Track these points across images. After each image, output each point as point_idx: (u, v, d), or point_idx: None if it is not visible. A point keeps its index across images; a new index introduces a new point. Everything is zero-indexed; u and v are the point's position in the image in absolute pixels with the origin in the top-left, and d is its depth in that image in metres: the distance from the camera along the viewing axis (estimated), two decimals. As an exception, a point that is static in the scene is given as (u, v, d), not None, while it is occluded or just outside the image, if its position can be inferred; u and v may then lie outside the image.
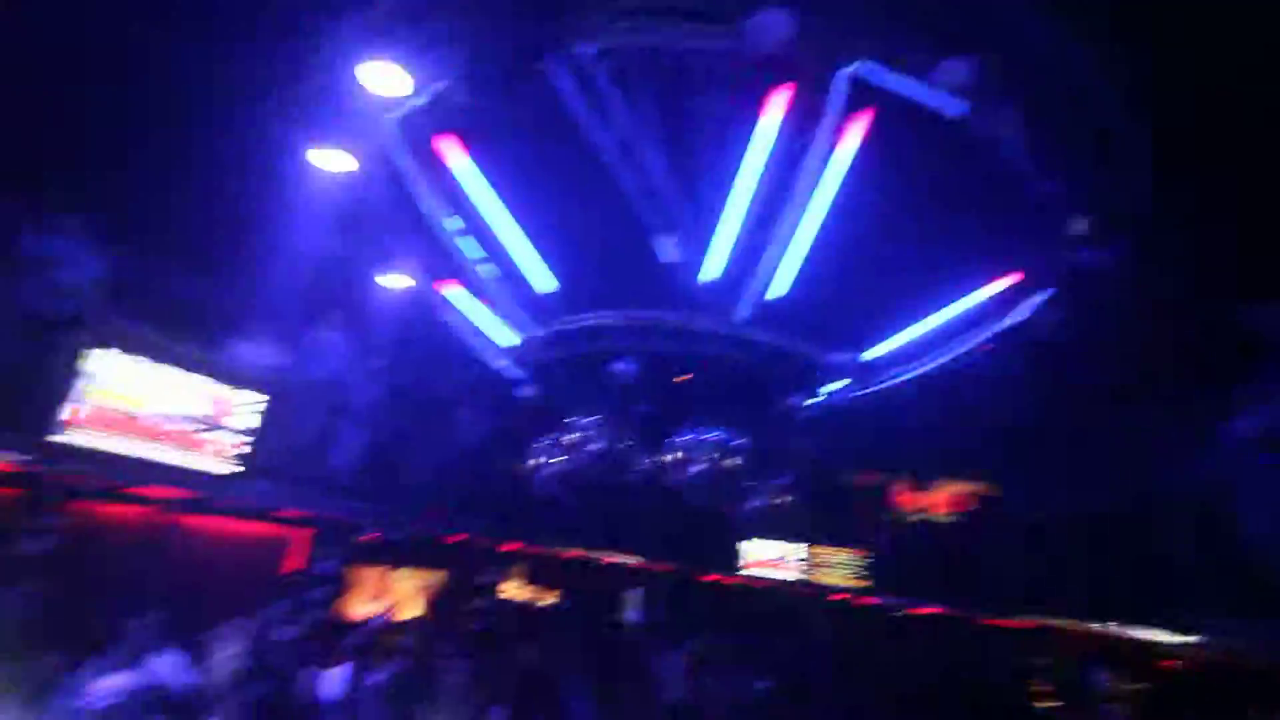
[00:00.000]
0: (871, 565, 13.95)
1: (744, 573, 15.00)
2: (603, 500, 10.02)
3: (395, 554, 11.29)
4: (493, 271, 7.23)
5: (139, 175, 8.16)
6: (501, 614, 11.60)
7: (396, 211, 7.29)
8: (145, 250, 9.36)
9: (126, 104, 8.86)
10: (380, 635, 7.84)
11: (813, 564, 14.52)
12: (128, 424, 7.49)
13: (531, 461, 8.81)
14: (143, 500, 8.40)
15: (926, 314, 9.18)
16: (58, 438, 6.93)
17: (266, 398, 8.65)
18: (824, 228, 6.54)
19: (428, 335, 9.47)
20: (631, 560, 14.14)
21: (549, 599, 13.41)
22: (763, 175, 6.26)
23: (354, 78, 5.67)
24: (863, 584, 13.95)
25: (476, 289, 7.67)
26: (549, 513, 10.36)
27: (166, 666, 5.95)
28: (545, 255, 7.13)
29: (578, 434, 8.32)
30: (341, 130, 6.29)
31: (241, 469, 8.49)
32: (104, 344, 7.09)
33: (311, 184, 7.22)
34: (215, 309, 9.54)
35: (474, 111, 6.30)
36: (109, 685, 5.13)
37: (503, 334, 8.31)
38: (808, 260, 6.76)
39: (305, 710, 5.27)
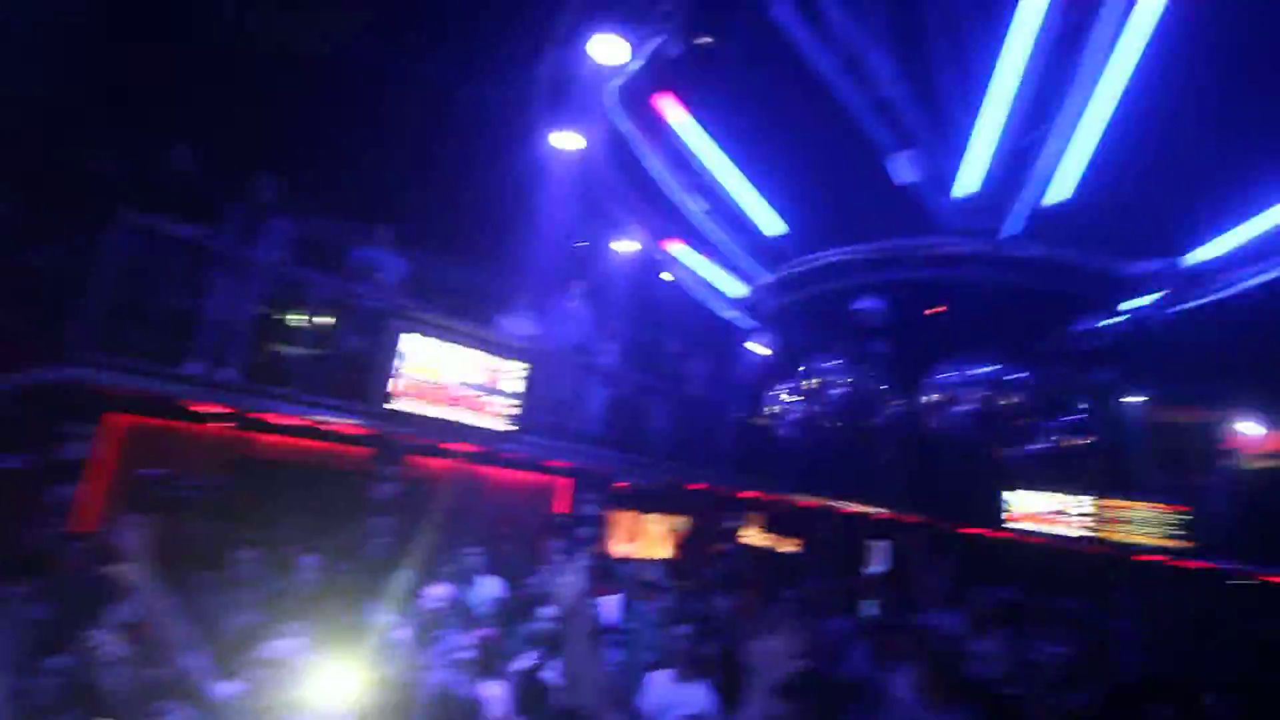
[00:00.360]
0: (1191, 521, 11.28)
1: (1012, 526, 13.38)
2: (844, 448, 9.62)
3: (644, 500, 12.26)
4: (719, 222, 7.21)
5: (426, 192, 9.84)
6: (745, 558, 11.96)
7: (623, 178, 7.63)
8: (433, 250, 11.30)
9: (410, 134, 10.77)
10: (639, 571, 8.59)
11: (1103, 519, 12.29)
12: (432, 393, 9.13)
13: (769, 409, 8.76)
14: (449, 454, 10.24)
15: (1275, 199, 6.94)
16: (389, 406, 8.71)
17: (529, 365, 9.91)
18: (1122, 106, 5.18)
19: (661, 294, 9.89)
20: (875, 511, 13.50)
21: (788, 546, 13.47)
22: (1032, 56, 5.17)
23: (582, 54, 5.97)
24: (1179, 544, 11.41)
25: (703, 243, 7.73)
26: (787, 461, 10.30)
27: (485, 586, 7.25)
28: (771, 198, 6.87)
29: (816, 379, 8.01)
30: (573, 108, 6.71)
31: (514, 427, 9.88)
32: (411, 329, 8.71)
33: (551, 169, 7.94)
34: (485, 293, 11.18)
35: (688, 61, 6.23)
36: (439, 594, 6.41)
37: (733, 285, 8.30)
38: (1099, 151, 5.45)
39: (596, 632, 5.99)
